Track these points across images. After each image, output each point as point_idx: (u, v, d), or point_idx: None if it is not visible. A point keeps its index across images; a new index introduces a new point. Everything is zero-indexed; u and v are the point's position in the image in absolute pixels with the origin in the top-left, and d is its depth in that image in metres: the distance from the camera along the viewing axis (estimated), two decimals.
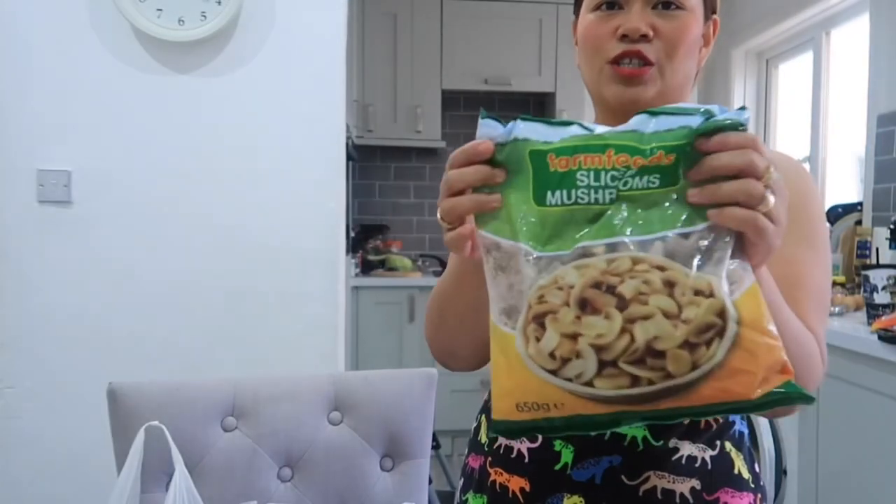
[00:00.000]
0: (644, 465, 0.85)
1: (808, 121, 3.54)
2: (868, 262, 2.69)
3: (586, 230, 0.65)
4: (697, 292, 0.61)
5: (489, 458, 0.94)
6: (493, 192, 0.68)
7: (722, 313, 0.60)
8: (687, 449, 0.86)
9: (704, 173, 0.64)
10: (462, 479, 1.01)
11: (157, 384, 1.35)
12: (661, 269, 0.62)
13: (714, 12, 0.94)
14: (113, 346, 2.13)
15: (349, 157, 2.87)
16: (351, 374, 1.43)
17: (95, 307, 2.13)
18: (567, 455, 0.87)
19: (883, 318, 2.06)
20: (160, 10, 2.08)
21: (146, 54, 2.13)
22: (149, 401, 1.31)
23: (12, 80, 2.10)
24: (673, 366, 0.60)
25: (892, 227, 2.57)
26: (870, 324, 2.13)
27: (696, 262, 0.62)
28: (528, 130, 0.68)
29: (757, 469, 0.92)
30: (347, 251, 2.95)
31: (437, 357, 0.98)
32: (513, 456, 0.90)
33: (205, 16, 2.10)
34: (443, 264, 4.36)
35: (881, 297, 2.19)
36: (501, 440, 0.92)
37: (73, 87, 2.11)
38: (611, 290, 0.62)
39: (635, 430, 0.85)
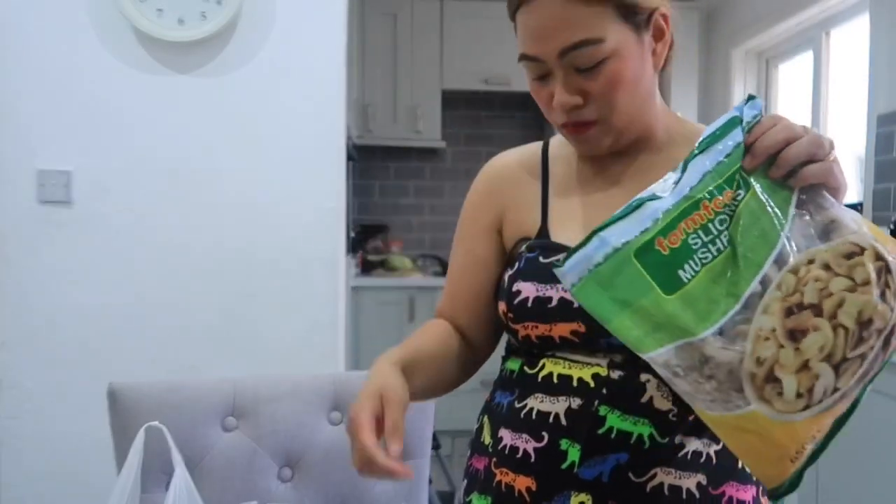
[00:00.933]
0: (651, 461, 0.85)
1: (808, 121, 3.54)
2: None
3: (732, 280, 0.68)
4: (849, 255, 0.66)
5: (494, 459, 0.94)
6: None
7: (880, 255, 0.66)
8: (693, 444, 0.87)
9: (760, 157, 0.71)
10: (465, 480, 1.01)
11: (157, 384, 1.35)
12: (811, 261, 0.66)
13: (642, 11, 0.87)
14: (113, 346, 2.13)
15: (349, 157, 2.87)
16: (351, 374, 1.43)
17: (95, 307, 2.13)
18: (574, 454, 0.86)
19: None
20: (160, 10, 2.08)
21: (146, 54, 2.13)
22: (149, 401, 1.31)
23: (12, 80, 2.10)
24: (880, 320, 0.66)
25: (892, 227, 2.57)
26: None
27: (818, 234, 0.68)
28: (619, 234, 0.70)
29: None
30: (347, 251, 2.95)
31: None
32: (518, 456, 0.90)
33: (205, 16, 2.10)
34: (443, 264, 4.36)
35: None
36: (506, 440, 0.92)
37: (74, 87, 2.11)
38: (801, 307, 0.65)
39: (641, 428, 0.85)
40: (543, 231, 0.96)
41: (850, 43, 3.24)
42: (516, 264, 0.95)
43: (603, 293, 0.69)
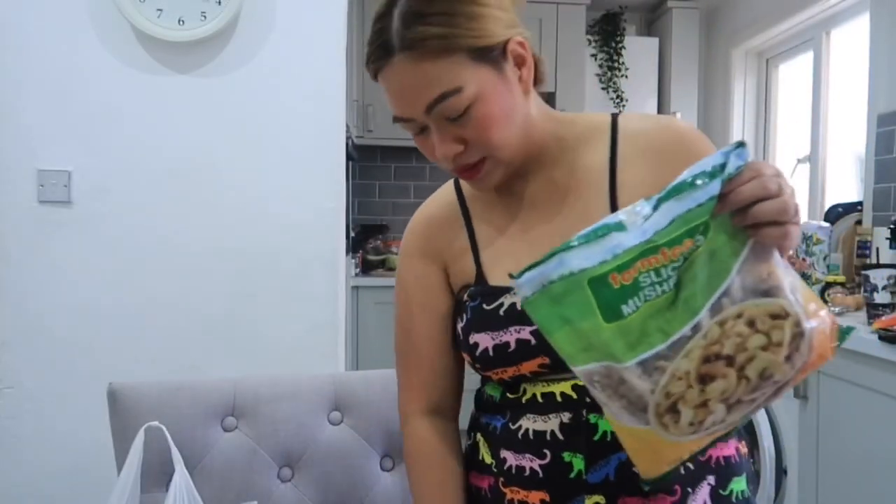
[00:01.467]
0: None
1: (808, 121, 3.54)
2: (868, 261, 2.69)
3: (667, 318, 0.73)
4: (774, 316, 0.72)
5: (501, 479, 0.96)
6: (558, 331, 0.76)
7: (798, 323, 0.72)
8: None
9: (727, 208, 0.72)
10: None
11: (157, 384, 1.35)
12: (739, 315, 0.72)
13: (494, 48, 0.87)
14: (113, 346, 2.13)
15: (349, 157, 2.87)
16: (351, 374, 1.43)
17: (95, 307, 2.13)
18: (578, 463, 0.89)
19: (883, 317, 2.06)
20: (160, 10, 2.08)
21: (146, 54, 2.13)
22: (149, 401, 1.31)
23: (12, 80, 2.10)
24: (780, 375, 0.73)
25: (892, 226, 2.57)
26: (870, 323, 2.13)
27: (755, 290, 0.72)
28: (579, 259, 0.73)
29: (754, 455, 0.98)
30: (347, 251, 2.95)
31: None
32: (526, 474, 0.93)
33: (205, 16, 2.10)
34: None
35: (881, 297, 2.19)
36: (510, 461, 0.94)
37: (74, 87, 2.11)
38: (718, 357, 0.72)
39: None
40: (480, 276, 0.98)
41: (850, 43, 3.24)
42: (464, 315, 0.97)
43: (551, 308, 0.74)
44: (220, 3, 2.10)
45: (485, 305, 0.95)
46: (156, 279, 2.15)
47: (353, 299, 3.84)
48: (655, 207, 0.74)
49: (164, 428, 1.24)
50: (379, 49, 0.86)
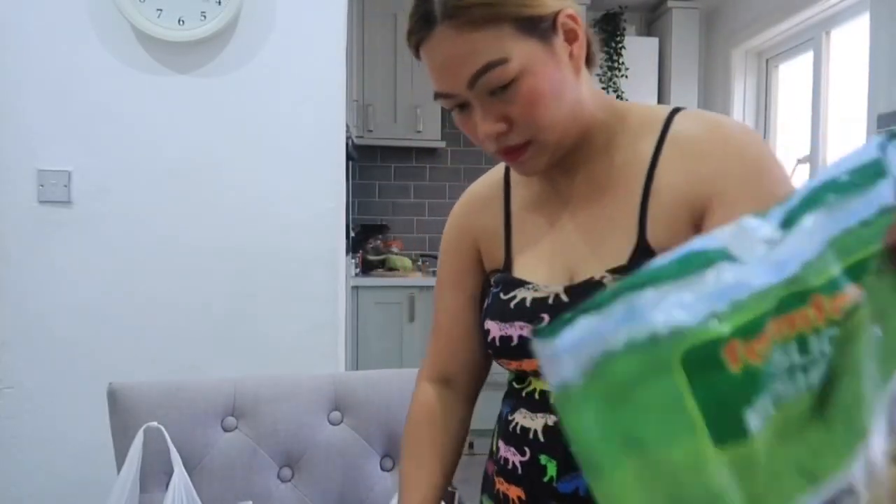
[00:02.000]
0: None
1: (808, 121, 3.54)
2: None
3: (818, 439, 0.40)
4: None
5: (495, 467, 0.98)
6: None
7: None
8: None
9: None
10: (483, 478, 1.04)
11: (157, 384, 1.35)
12: None
13: (543, 20, 0.81)
14: (113, 346, 2.13)
15: (349, 157, 2.87)
16: (351, 374, 1.43)
17: (95, 307, 2.13)
18: (552, 469, 0.89)
19: None
20: (160, 10, 2.08)
21: (146, 54, 2.13)
22: (149, 401, 1.31)
23: (12, 80, 2.09)
24: None
25: None
26: None
27: None
28: (666, 307, 0.38)
29: None
30: (347, 251, 2.95)
31: None
32: (509, 468, 0.93)
33: (205, 16, 2.10)
34: None
35: None
36: (502, 452, 0.95)
37: (74, 87, 2.11)
38: None
39: None
40: (507, 263, 0.96)
41: (850, 43, 3.24)
42: (487, 299, 0.97)
43: (608, 416, 0.38)
44: (220, 3, 2.09)
45: (502, 294, 0.93)
46: (156, 279, 2.15)
47: (353, 299, 3.84)
48: (786, 224, 0.42)
49: (163, 428, 1.24)
50: (420, 20, 0.81)
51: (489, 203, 1.01)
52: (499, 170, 1.03)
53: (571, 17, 0.83)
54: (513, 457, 0.93)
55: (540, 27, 0.81)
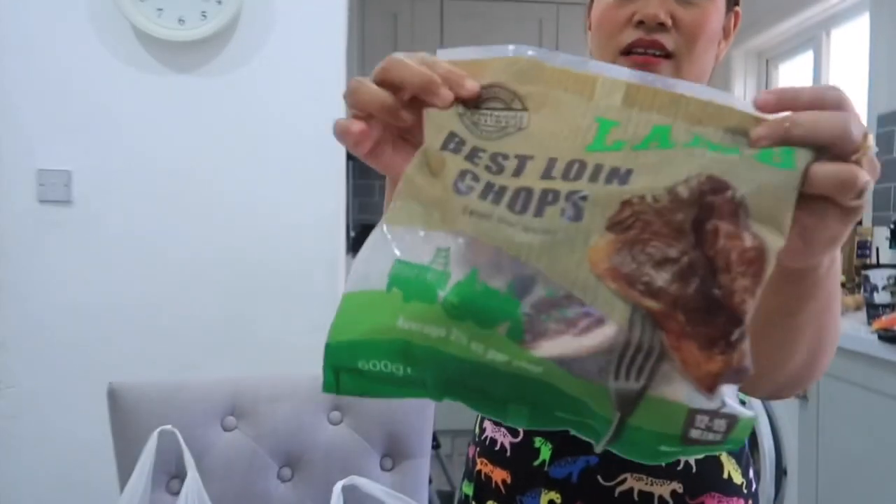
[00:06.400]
0: (621, 466, 0.85)
1: None
2: (868, 261, 2.68)
3: None
4: None
5: (477, 449, 0.96)
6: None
7: None
8: None
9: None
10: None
11: (157, 384, 1.35)
12: None
13: (737, 3, 0.88)
14: (113, 345, 2.13)
15: (349, 157, 2.87)
16: None
17: (95, 307, 2.13)
18: (545, 452, 0.87)
19: (883, 317, 2.06)
20: (160, 9, 2.08)
21: (146, 54, 2.13)
22: (149, 401, 1.31)
23: (12, 79, 2.09)
24: None
25: (892, 227, 2.57)
26: (870, 324, 2.13)
27: None
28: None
29: (752, 475, 0.90)
30: (347, 251, 2.95)
31: None
32: (496, 448, 0.92)
33: (205, 15, 2.10)
34: None
35: (881, 297, 2.19)
36: (488, 432, 0.94)
37: (74, 87, 2.11)
38: None
39: None
40: None
41: (850, 43, 3.24)
42: None
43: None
44: (220, 2, 2.09)
45: None
46: (156, 279, 2.15)
47: None
48: None
49: (176, 431, 1.24)
50: None
51: None
52: None
53: (738, 15, 0.88)
54: (503, 438, 0.91)
55: None
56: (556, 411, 0.45)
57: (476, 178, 0.47)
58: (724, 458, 0.87)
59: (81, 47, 2.11)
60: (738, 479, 0.88)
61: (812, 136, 0.45)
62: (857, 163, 0.47)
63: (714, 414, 0.42)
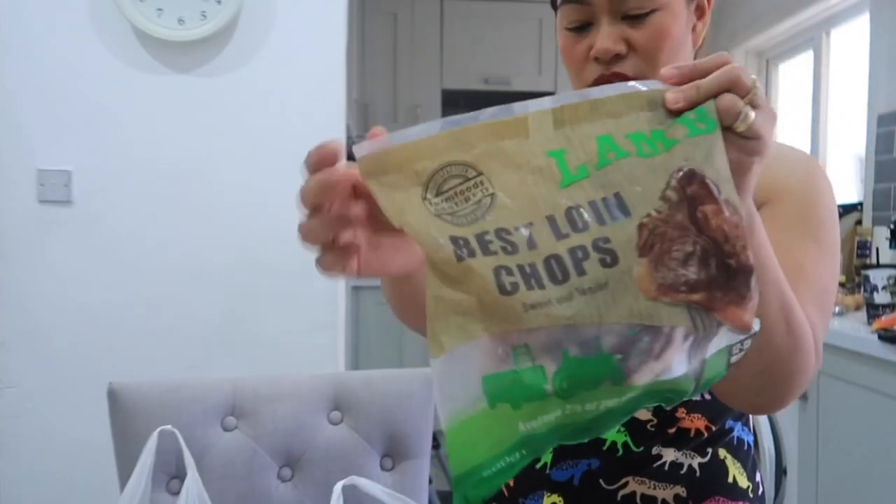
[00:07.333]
0: (623, 470, 0.84)
1: (808, 121, 3.54)
2: (868, 261, 2.68)
3: None
4: None
5: None
6: None
7: None
8: (671, 455, 0.85)
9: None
10: None
11: (157, 384, 1.35)
12: None
13: None
14: (113, 345, 2.13)
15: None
16: (351, 374, 1.43)
17: (95, 307, 2.13)
18: (547, 455, 0.87)
19: (883, 317, 2.06)
20: (160, 9, 2.08)
21: (146, 54, 2.13)
22: (149, 401, 1.31)
23: (12, 80, 2.10)
24: None
25: (892, 226, 2.57)
26: (870, 324, 2.13)
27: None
28: None
29: (758, 479, 0.90)
30: None
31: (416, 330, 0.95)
32: None
33: (205, 15, 2.10)
34: None
35: (881, 297, 2.19)
36: None
37: (74, 86, 2.11)
38: None
39: (615, 436, 0.85)
40: None
41: (850, 43, 3.24)
42: None
43: None
44: (220, 2, 2.09)
45: None
46: (156, 279, 2.15)
47: (353, 299, 3.84)
48: None
49: (176, 432, 1.24)
50: None
51: None
52: None
53: None
54: None
55: None
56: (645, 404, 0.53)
57: (510, 272, 0.49)
58: (730, 461, 0.87)
59: (81, 47, 2.11)
60: (743, 482, 0.87)
61: (717, 85, 0.57)
62: (751, 102, 0.57)
63: (743, 341, 0.53)
